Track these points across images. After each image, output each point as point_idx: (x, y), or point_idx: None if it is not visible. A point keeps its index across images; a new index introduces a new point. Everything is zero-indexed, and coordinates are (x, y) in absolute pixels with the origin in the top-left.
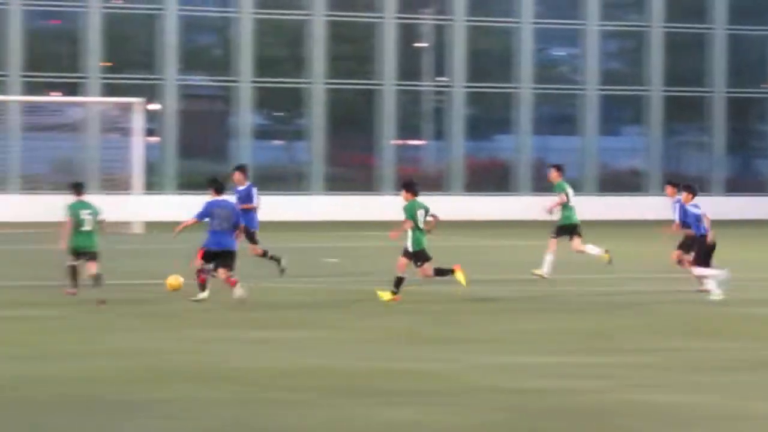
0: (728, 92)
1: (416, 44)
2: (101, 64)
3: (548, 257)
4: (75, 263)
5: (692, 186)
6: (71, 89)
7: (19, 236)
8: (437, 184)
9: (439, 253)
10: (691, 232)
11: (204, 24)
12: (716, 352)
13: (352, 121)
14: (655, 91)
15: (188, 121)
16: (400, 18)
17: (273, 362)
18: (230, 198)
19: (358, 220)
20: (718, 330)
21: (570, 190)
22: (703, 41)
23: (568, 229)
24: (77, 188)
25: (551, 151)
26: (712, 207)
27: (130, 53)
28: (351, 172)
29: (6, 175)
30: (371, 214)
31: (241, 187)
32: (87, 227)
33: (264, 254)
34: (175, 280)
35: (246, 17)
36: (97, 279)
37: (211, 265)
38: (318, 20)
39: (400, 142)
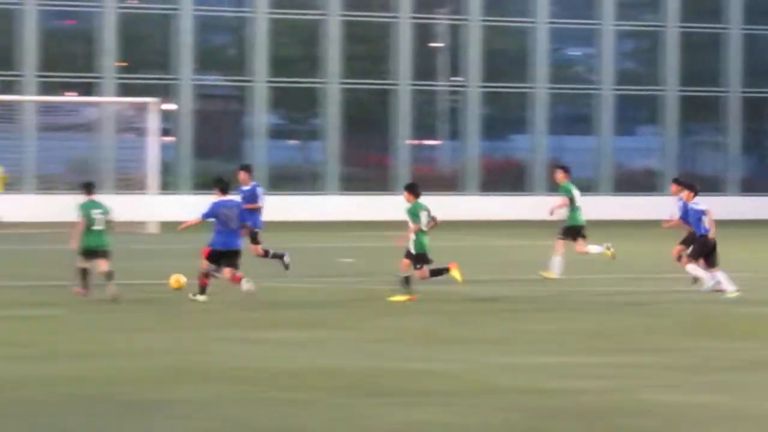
0: (743, 92)
1: (431, 44)
2: (116, 64)
3: (556, 258)
4: (86, 266)
5: (693, 184)
6: (86, 89)
7: (35, 236)
8: (452, 184)
9: (454, 253)
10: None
11: (219, 24)
12: (726, 351)
13: (367, 120)
14: (671, 90)
15: (203, 121)
16: (415, 18)
17: (286, 362)
18: (236, 197)
19: (373, 220)
20: (728, 330)
21: (576, 191)
22: (718, 41)
23: (575, 230)
24: (88, 188)
25: (566, 151)
26: (728, 207)
27: (145, 53)
28: (366, 172)
29: (22, 175)
30: (386, 214)
31: (245, 187)
32: (98, 226)
33: (266, 254)
34: (176, 282)
35: (261, 17)
36: (109, 275)
37: (215, 267)
38: (333, 20)
39: (415, 142)
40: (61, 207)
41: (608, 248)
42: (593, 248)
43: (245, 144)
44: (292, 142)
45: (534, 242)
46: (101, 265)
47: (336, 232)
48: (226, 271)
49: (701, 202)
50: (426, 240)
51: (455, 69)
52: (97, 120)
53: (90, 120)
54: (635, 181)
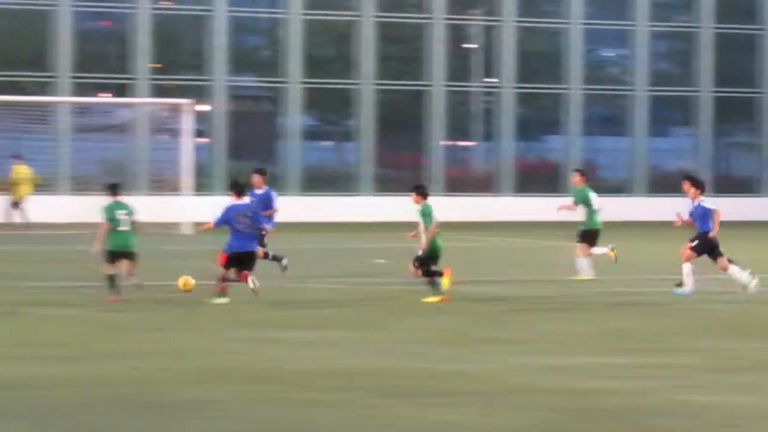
0: None
1: (465, 45)
2: (151, 65)
3: (583, 261)
4: (113, 272)
5: (699, 181)
6: (120, 90)
7: (69, 237)
8: (486, 185)
9: (487, 253)
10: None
11: (253, 25)
12: (753, 351)
13: (401, 122)
14: (705, 91)
15: (237, 123)
16: (449, 19)
17: (317, 363)
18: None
19: (407, 221)
20: (754, 329)
21: (593, 195)
22: (752, 42)
23: (592, 233)
24: (113, 189)
25: (600, 152)
26: (762, 208)
27: (179, 54)
28: (400, 173)
29: (56, 176)
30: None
31: (259, 191)
32: (124, 227)
33: (265, 256)
34: (185, 284)
35: (295, 18)
36: (130, 274)
37: (233, 274)
38: (367, 21)
39: (450, 142)
40: (96, 208)
41: (612, 249)
42: (597, 250)
43: (279, 145)
44: (326, 143)
45: (567, 243)
46: (126, 268)
47: (369, 232)
48: (243, 275)
49: (708, 202)
50: (439, 241)
51: (489, 70)
52: (131, 121)
53: (124, 121)
54: (669, 182)
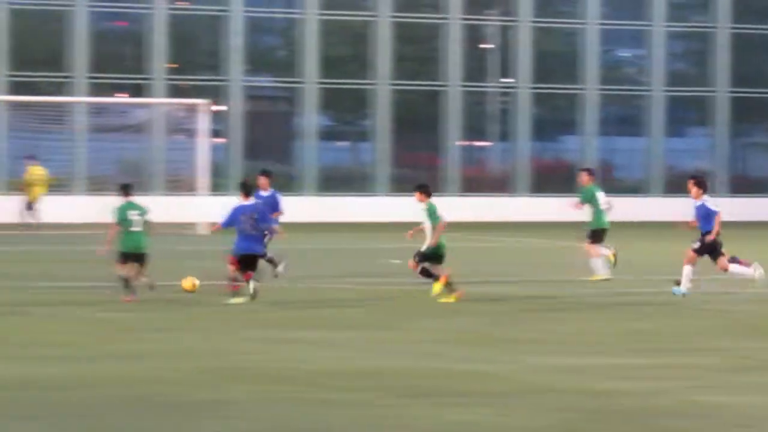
0: None
1: (481, 45)
2: (167, 65)
3: (596, 261)
4: (126, 275)
5: (703, 182)
6: (137, 91)
7: (85, 237)
8: (503, 185)
9: (502, 253)
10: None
11: (269, 25)
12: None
13: (417, 122)
14: (721, 92)
15: (254, 123)
16: (465, 19)
17: (331, 363)
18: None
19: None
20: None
21: (601, 194)
22: None
23: (600, 232)
24: (125, 189)
25: (616, 153)
26: None
27: (195, 54)
28: (416, 174)
29: (72, 176)
30: None
31: (264, 193)
32: (136, 228)
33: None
34: (190, 284)
35: (311, 18)
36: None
37: (240, 275)
38: (383, 21)
39: (466, 143)
40: (108, 208)
41: (613, 253)
42: (600, 249)
43: (295, 145)
44: (342, 143)
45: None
46: (138, 270)
47: (386, 233)
48: (246, 275)
49: (711, 203)
50: (443, 240)
51: (505, 70)
52: (147, 121)
53: (140, 121)
54: (685, 183)
